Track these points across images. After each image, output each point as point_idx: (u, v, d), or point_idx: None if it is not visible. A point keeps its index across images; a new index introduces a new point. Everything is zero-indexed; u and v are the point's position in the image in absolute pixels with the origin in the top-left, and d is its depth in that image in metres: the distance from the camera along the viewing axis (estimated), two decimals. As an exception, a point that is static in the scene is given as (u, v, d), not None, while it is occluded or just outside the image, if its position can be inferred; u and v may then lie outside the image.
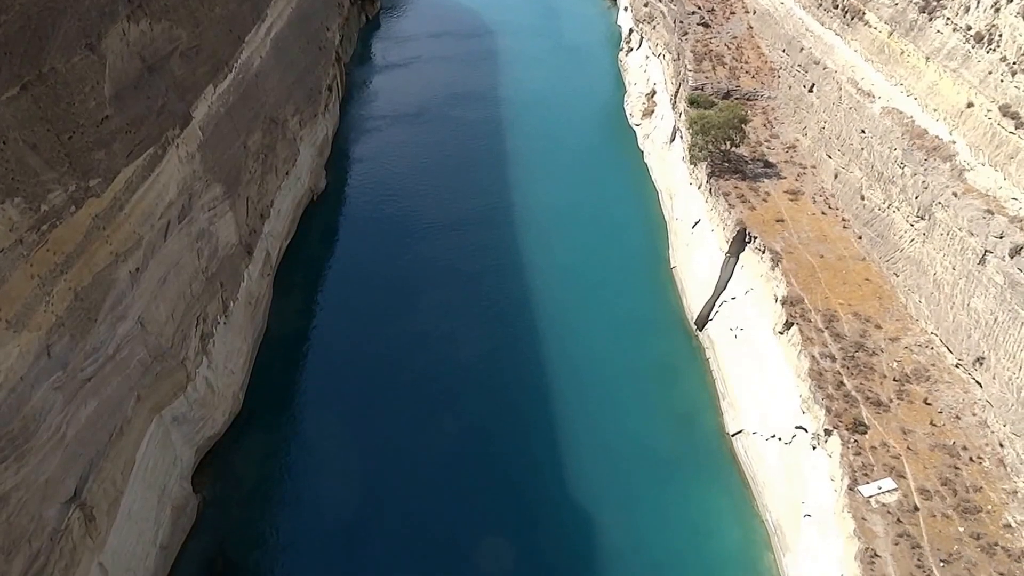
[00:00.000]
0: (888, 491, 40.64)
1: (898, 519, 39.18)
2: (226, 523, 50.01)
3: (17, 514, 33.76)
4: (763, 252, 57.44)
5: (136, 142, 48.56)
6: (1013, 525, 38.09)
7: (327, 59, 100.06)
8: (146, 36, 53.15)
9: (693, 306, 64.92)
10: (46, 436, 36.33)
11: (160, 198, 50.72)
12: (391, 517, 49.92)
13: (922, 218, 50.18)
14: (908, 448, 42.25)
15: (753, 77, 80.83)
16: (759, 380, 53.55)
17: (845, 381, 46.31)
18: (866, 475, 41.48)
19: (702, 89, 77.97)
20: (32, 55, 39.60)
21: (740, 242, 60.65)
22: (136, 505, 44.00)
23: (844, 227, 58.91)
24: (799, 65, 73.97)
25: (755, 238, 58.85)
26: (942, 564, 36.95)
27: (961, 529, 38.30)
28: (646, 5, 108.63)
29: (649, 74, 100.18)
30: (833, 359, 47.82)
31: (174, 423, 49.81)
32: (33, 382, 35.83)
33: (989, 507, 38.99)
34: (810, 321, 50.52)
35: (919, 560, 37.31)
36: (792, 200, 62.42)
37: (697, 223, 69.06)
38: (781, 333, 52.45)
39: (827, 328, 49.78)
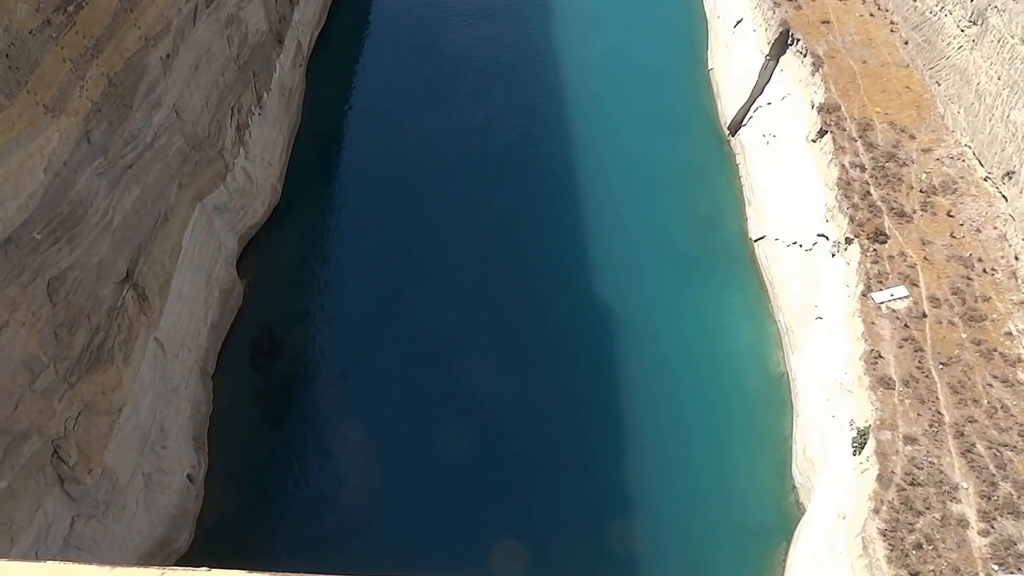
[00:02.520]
0: (900, 298, 42.03)
1: (905, 324, 40.83)
2: (270, 305, 53.36)
3: (74, 292, 36.35)
4: (804, 56, 55.46)
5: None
6: (1014, 333, 39.63)
7: None
8: None
9: (727, 110, 63.70)
10: (94, 220, 38.25)
11: (187, -20, 49.50)
12: (419, 308, 52.68)
13: (974, 23, 47.76)
14: (925, 258, 43.12)
15: None
16: (787, 188, 53.71)
17: (872, 191, 46.42)
18: (880, 283, 42.73)
19: None
20: None
21: (782, 44, 58.37)
22: (186, 287, 46.90)
23: (891, 31, 56.21)
24: None
25: (798, 40, 56.58)
26: (941, 366, 38.96)
27: (964, 336, 39.95)
28: None
29: None
30: (863, 169, 47.64)
31: (216, 212, 51.72)
32: (76, 167, 37.19)
33: (994, 316, 40.38)
34: (844, 130, 49.78)
35: (919, 362, 39.32)
36: (841, 0, 59.23)
37: (739, 22, 66.07)
38: (814, 141, 51.89)
39: (860, 137, 49.13)
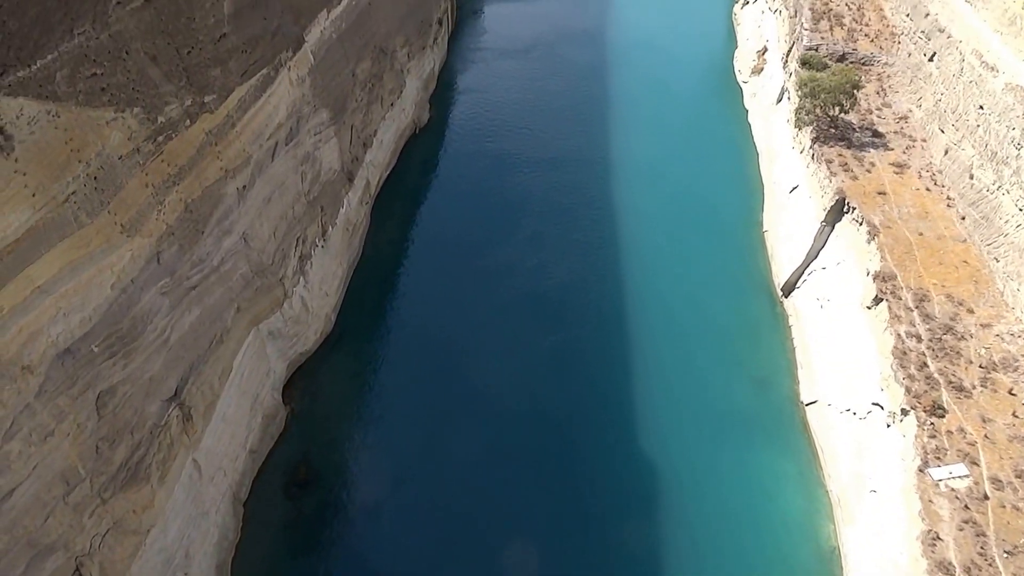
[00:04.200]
0: (959, 477, 39.97)
1: (966, 505, 38.62)
2: (310, 435, 53.26)
3: (122, 407, 36.88)
4: (860, 224, 55.84)
5: (251, 62, 50.66)
6: (1087, 527, 37.06)
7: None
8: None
9: (781, 272, 63.86)
10: (152, 337, 39.32)
11: (270, 119, 52.94)
12: (465, 443, 52.03)
13: (1035, 203, 47.83)
14: (986, 436, 41.25)
15: (872, 41, 77.14)
16: (840, 353, 52.74)
17: (929, 363, 45.23)
18: (938, 458, 40.84)
19: (816, 50, 75.06)
20: (159, -31, 41.39)
21: (838, 212, 59.05)
22: (230, 410, 47.26)
23: (948, 206, 56.51)
24: (922, 31, 70.18)
25: (854, 209, 57.17)
26: (1005, 555, 36.42)
27: (1031, 524, 37.51)
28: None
29: (763, 30, 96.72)
30: (919, 339, 46.66)
31: (269, 337, 52.83)
32: (143, 285, 38.67)
33: (1064, 506, 37.95)
34: (900, 299, 49.22)
35: (982, 548, 36.85)
36: (897, 173, 60.09)
37: (795, 188, 67.38)
38: (869, 308, 51.31)
39: (917, 307, 48.44)
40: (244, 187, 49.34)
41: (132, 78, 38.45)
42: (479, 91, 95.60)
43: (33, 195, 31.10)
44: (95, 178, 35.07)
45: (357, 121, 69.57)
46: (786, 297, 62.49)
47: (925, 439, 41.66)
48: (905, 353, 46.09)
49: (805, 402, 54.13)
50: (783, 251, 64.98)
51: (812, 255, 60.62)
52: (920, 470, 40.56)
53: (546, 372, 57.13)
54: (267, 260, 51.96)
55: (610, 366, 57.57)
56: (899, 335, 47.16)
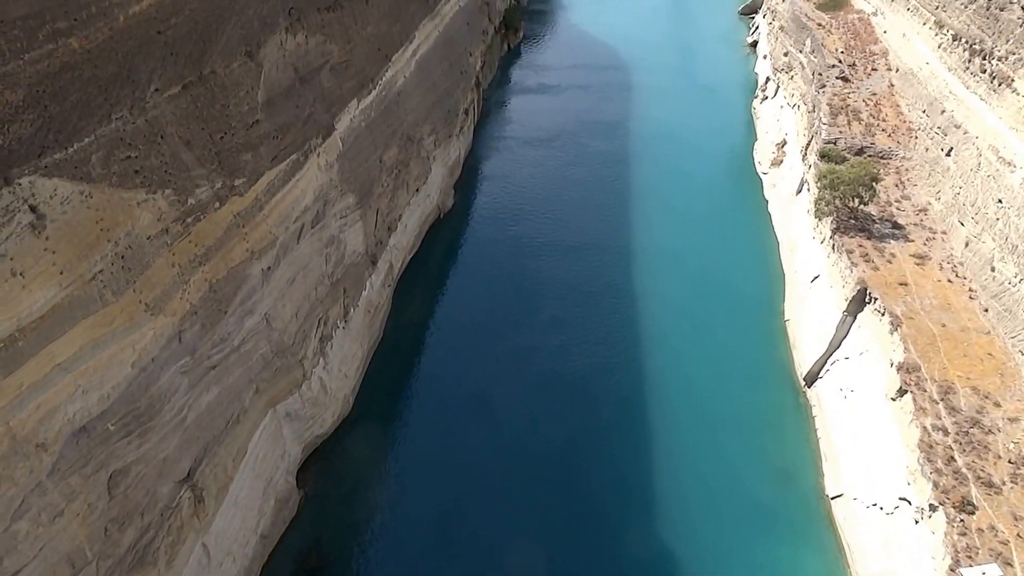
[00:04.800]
0: (993, 579, 38.35)
1: (1000, 611, 36.89)
2: (324, 520, 52.34)
3: (134, 487, 36.57)
4: (882, 315, 55.38)
5: (281, 147, 52.24)
6: None
7: (467, 83, 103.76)
8: (301, 48, 57.12)
9: (803, 362, 63.14)
10: (168, 416, 39.29)
11: (297, 202, 54.17)
12: (482, 533, 50.90)
13: (1060, 296, 47.29)
14: (1018, 535, 39.70)
15: (889, 136, 78.21)
16: (865, 445, 51.54)
17: (956, 457, 44.01)
18: (970, 557, 39.26)
19: (835, 143, 76.18)
20: (196, 57, 43.35)
21: (859, 302, 58.70)
22: (243, 493, 46.69)
23: (970, 298, 56.02)
24: (938, 127, 71.12)
25: (875, 299, 56.83)
26: (1045, 667, 34.52)
27: (1071, 633, 35.65)
28: (785, 55, 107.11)
29: (782, 124, 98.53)
30: (946, 432, 45.55)
31: (286, 418, 52.64)
32: (163, 364, 38.91)
33: (1105, 613, 36.12)
34: (925, 391, 48.32)
35: (1019, 658, 35.00)
36: (918, 264, 59.90)
37: (816, 278, 67.29)
38: (893, 400, 50.36)
39: (942, 400, 47.48)
40: (269, 268, 50.09)
41: (165, 161, 39.72)
42: (503, 178, 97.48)
43: (61, 273, 31.79)
44: (123, 257, 35.85)
45: (383, 205, 70.97)
46: (809, 387, 61.59)
47: (955, 537, 40.17)
48: (932, 447, 44.94)
49: (830, 495, 52.66)
50: (805, 340, 64.43)
51: (835, 345, 60.00)
52: (951, 569, 38.99)
53: (566, 457, 56.19)
54: (288, 341, 52.26)
55: (631, 453, 56.57)
56: (925, 428, 46.10)
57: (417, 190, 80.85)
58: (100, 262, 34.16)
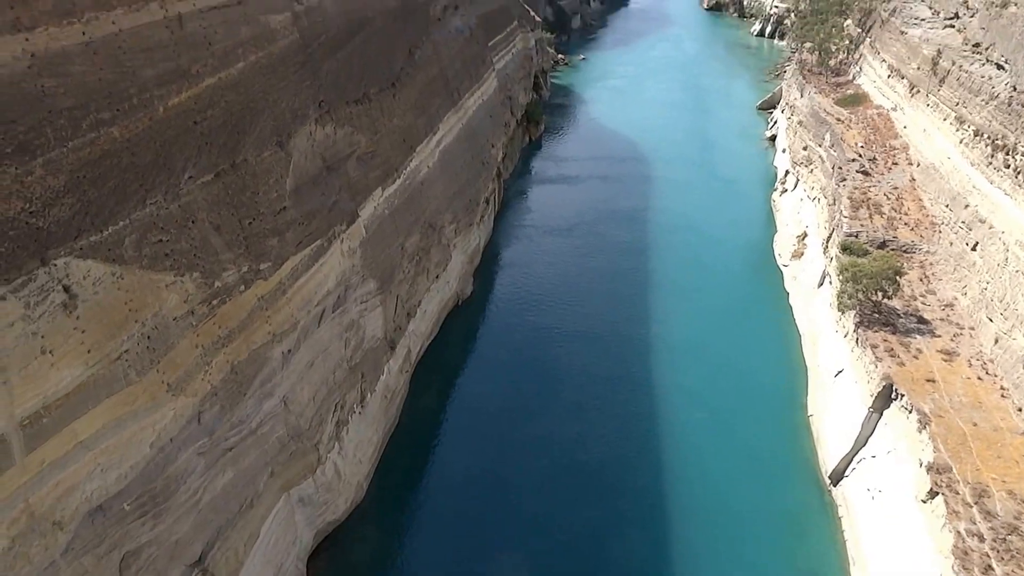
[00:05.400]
0: None
1: None
2: (332, 610, 50.82)
3: (145, 570, 35.73)
4: (910, 412, 54.31)
5: (307, 233, 53.08)
6: None
7: (488, 174, 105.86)
8: (330, 139, 58.77)
9: (828, 459, 61.66)
10: (184, 498, 38.77)
11: (320, 287, 54.66)
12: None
13: (1094, 397, 46.24)
14: (1064, 653, 37.73)
15: (912, 230, 78.47)
16: (896, 549, 49.69)
17: (994, 566, 42.25)
18: (1012, 676, 37.22)
19: (856, 236, 76.45)
20: (230, 147, 44.73)
21: (885, 398, 57.68)
22: (253, 578, 45.56)
23: (1003, 396, 54.93)
24: (963, 222, 71.34)
25: (902, 396, 55.84)
26: None
27: None
28: (804, 149, 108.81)
29: (802, 216, 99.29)
30: (981, 539, 43.89)
31: (299, 503, 51.76)
32: (181, 445, 38.64)
33: None
34: (957, 493, 46.83)
35: None
36: (945, 361, 59.05)
37: (840, 372, 66.42)
38: (924, 502, 48.82)
39: (976, 503, 45.94)
40: (289, 351, 50.20)
41: (195, 245, 40.41)
42: (522, 266, 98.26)
43: (88, 351, 31.97)
44: (149, 337, 36.06)
45: (403, 291, 71.44)
46: (835, 485, 59.96)
47: (996, 652, 38.22)
48: (967, 553, 43.24)
49: (860, 602, 50.58)
50: (830, 436, 63.11)
51: (860, 442, 58.69)
52: None
53: (583, 551, 54.61)
54: (304, 424, 51.87)
55: (648, 550, 54.86)
56: (959, 533, 44.47)
57: (437, 277, 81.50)
58: (127, 342, 34.36)
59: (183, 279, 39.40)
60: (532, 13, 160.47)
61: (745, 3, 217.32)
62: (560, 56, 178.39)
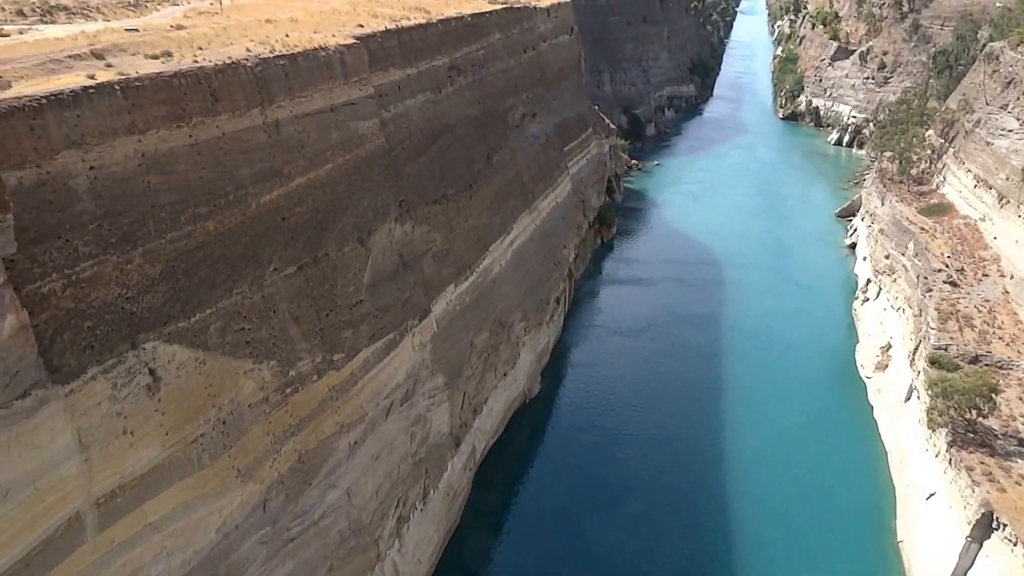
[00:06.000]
0: None
1: None
2: None
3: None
4: (1015, 545, 50.53)
5: (380, 326, 54.31)
6: None
7: (559, 274, 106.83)
8: (407, 236, 60.71)
9: (920, 588, 57.67)
10: (244, 587, 38.83)
11: (390, 380, 55.43)
12: None
13: None
14: None
15: (1008, 345, 74.93)
16: None
17: None
18: None
19: (945, 350, 73.31)
20: (313, 242, 46.74)
21: (985, 527, 53.74)
22: (305, 676, 44.66)
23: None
24: (1061, 339, 68.06)
25: (1005, 526, 52.07)
26: None
27: None
28: (887, 258, 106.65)
29: (885, 327, 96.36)
30: None
31: (356, 600, 51.01)
32: (245, 532, 39.00)
33: None
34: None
35: None
36: (1049, 487, 55.18)
37: (932, 496, 62.48)
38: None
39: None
40: (356, 443, 50.64)
41: (274, 334, 41.86)
42: (591, 366, 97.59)
43: (167, 434, 33.04)
44: (224, 423, 37.07)
45: (470, 388, 71.69)
46: (927, 621, 55.77)
47: None
48: None
49: None
50: (923, 566, 58.92)
51: (958, 575, 54.68)
52: None
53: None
54: (366, 519, 51.67)
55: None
56: None
57: (505, 374, 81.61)
58: (203, 426, 35.41)
59: (261, 367, 40.64)
60: (607, 121, 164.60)
61: (822, 112, 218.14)
62: (634, 161, 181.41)
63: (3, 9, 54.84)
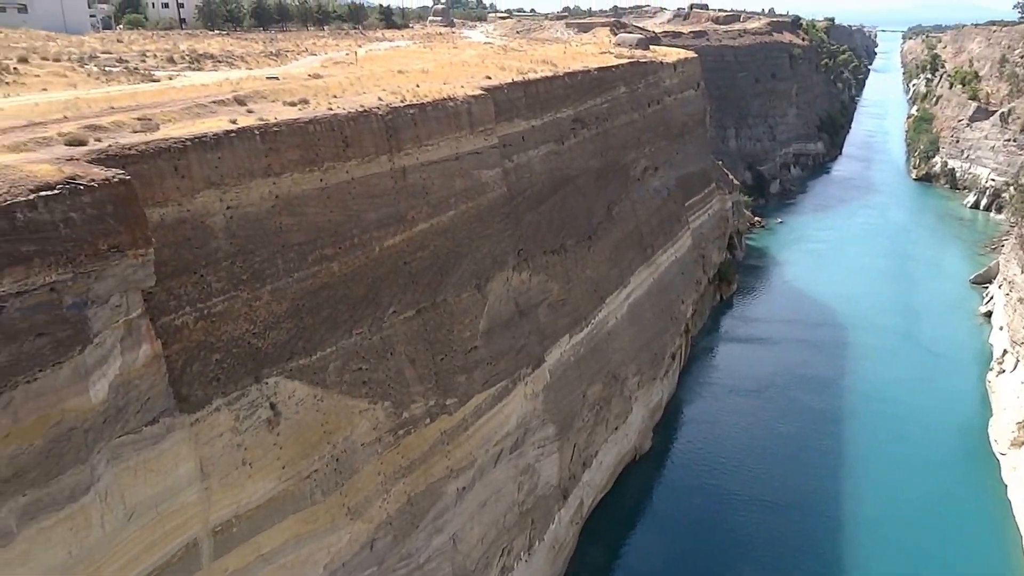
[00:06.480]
0: None
1: None
2: None
3: None
4: None
5: (493, 373, 54.44)
6: None
7: (676, 329, 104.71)
8: (524, 285, 61.00)
9: None
10: (347, 627, 38.96)
11: (500, 427, 55.28)
12: None
13: None
14: None
15: None
16: None
17: None
18: None
19: (1096, 430, 67.21)
20: (433, 286, 47.61)
21: None
22: None
23: None
24: None
25: None
26: None
27: None
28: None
29: (1023, 401, 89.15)
30: None
31: (455, 650, 50.36)
32: (351, 571, 39.23)
33: None
34: None
35: None
36: None
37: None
38: None
39: None
40: (464, 488, 50.53)
41: (390, 376, 42.62)
42: (705, 425, 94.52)
43: (283, 467, 33.88)
44: (337, 460, 37.75)
45: (580, 440, 70.59)
46: None
47: None
48: None
49: None
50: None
51: None
52: None
53: None
54: (470, 566, 51.19)
55: None
56: None
57: (616, 428, 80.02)
58: (317, 462, 36.14)
59: (375, 407, 41.35)
60: (731, 176, 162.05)
61: (958, 174, 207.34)
62: (757, 219, 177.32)
63: (155, 56, 59.45)
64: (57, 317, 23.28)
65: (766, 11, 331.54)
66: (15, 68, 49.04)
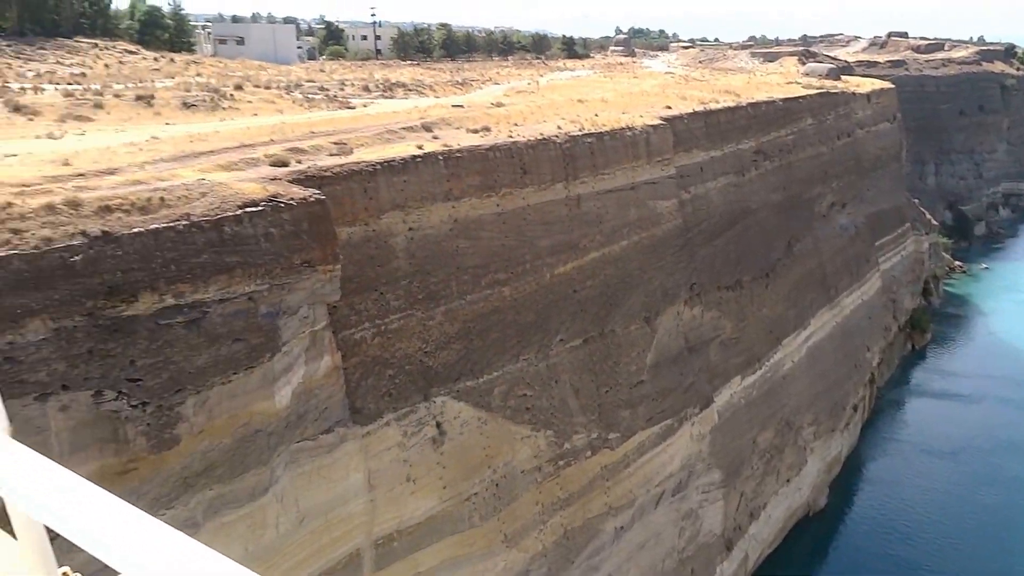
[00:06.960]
0: None
1: None
2: None
3: None
4: None
5: (659, 410, 52.78)
6: None
7: (860, 378, 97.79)
8: (695, 320, 59.03)
9: None
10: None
11: (663, 467, 53.40)
12: None
13: None
14: None
15: None
16: None
17: None
18: None
19: None
20: (600, 316, 46.97)
21: None
22: None
23: None
24: None
25: None
26: None
27: None
28: None
29: None
30: None
31: None
32: (503, 599, 39.03)
33: None
34: None
35: None
36: None
37: None
38: None
39: None
40: (622, 528, 49.13)
41: (553, 404, 42.27)
42: (888, 485, 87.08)
43: (444, 487, 34.23)
44: (497, 485, 37.72)
45: (748, 489, 66.98)
46: None
47: None
48: None
49: None
50: None
51: None
52: None
53: None
54: (625, 608, 49.60)
55: None
56: None
57: (788, 480, 75.33)
58: (478, 485, 36.26)
59: (537, 435, 41.09)
60: (928, 216, 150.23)
61: None
62: (957, 263, 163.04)
63: (353, 85, 63.36)
64: (252, 325, 24.77)
65: (975, 39, 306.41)
66: (231, 95, 53.68)
